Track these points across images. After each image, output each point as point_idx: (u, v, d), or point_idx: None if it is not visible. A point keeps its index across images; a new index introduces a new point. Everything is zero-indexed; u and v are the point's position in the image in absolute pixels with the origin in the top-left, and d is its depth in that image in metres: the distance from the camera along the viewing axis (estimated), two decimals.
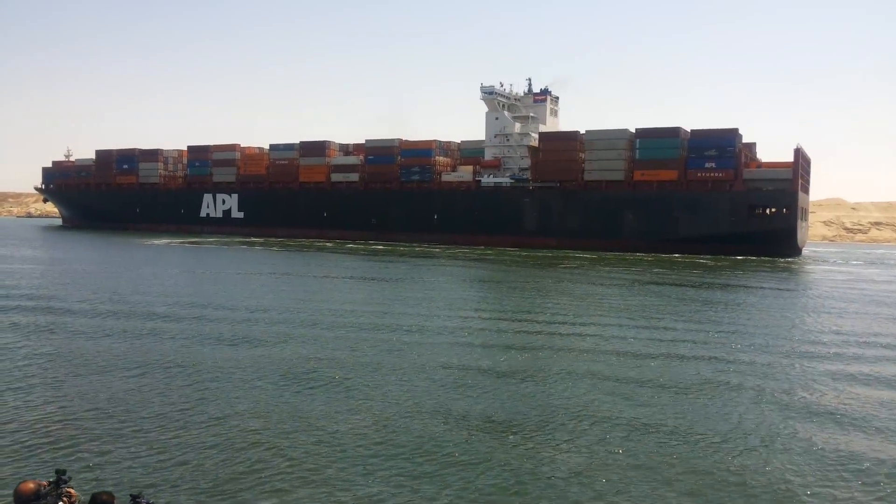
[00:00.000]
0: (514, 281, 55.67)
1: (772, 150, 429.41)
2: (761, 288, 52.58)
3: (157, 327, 29.54)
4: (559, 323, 32.99)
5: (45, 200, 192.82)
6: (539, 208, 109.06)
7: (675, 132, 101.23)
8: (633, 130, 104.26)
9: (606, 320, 33.80)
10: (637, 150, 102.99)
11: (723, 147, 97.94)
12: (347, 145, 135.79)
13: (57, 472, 7.02)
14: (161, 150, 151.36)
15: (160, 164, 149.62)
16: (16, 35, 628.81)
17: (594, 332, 30.31)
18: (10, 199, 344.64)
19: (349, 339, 27.78)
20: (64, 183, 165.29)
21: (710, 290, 50.23)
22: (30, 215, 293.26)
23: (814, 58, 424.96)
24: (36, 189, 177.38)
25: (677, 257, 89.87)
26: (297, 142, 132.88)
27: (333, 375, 21.83)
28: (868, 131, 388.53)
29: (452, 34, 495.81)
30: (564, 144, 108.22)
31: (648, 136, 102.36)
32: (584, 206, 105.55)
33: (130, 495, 7.23)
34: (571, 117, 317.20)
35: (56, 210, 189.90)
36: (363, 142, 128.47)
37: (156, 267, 59.53)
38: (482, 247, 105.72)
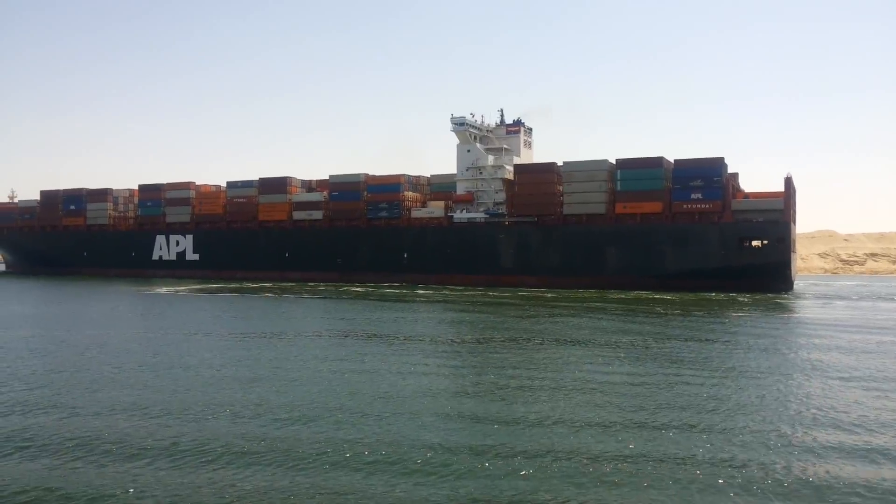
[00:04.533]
0: (491, 332, 48.35)
1: (752, 180, 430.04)
2: (766, 336, 46.10)
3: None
4: (531, 389, 25.71)
5: None
6: (516, 244, 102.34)
7: (657, 162, 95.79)
8: (614, 161, 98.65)
9: (582, 397, 26.54)
10: (618, 182, 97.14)
11: (709, 177, 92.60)
12: (310, 181, 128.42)
13: None
14: (110, 190, 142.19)
15: (109, 205, 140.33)
16: None
17: (570, 406, 23.15)
18: None
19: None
20: (6, 226, 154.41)
21: (705, 342, 43.04)
22: None
23: (794, 86, 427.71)
24: None
25: (665, 296, 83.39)
26: (257, 178, 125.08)
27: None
28: (856, 162, 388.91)
29: (421, 64, 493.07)
30: (541, 177, 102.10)
31: (630, 167, 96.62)
32: (563, 241, 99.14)
33: None
34: (547, 150, 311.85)
35: None
36: (327, 177, 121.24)
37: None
38: (456, 287, 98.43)
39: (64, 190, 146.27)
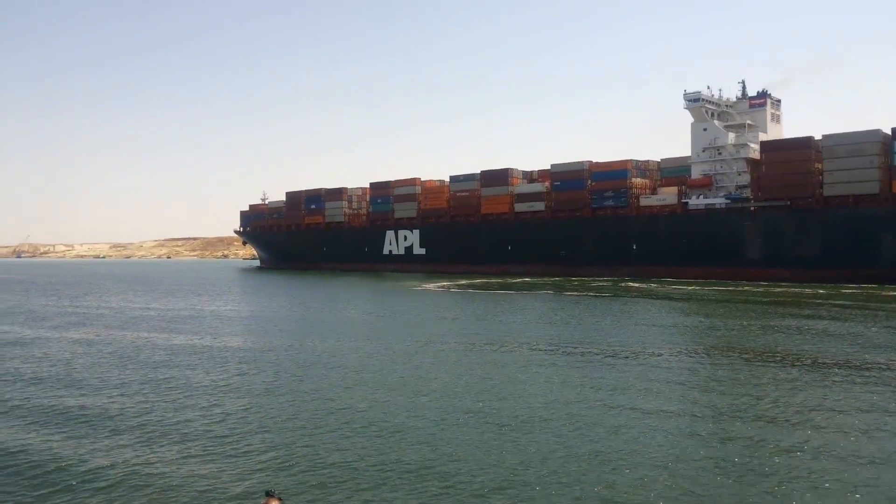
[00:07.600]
0: (736, 339, 40.43)
1: None
2: None
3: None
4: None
5: (244, 243, 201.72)
6: (765, 233, 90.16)
7: None
8: (889, 131, 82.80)
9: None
10: (895, 156, 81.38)
11: None
12: (531, 172, 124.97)
13: (266, 493, 8.51)
14: (345, 189, 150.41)
15: (344, 203, 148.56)
16: (218, 92, 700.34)
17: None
18: (236, 243, 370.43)
19: None
20: (258, 225, 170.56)
21: None
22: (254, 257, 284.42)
23: None
24: (235, 232, 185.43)
25: None
26: (478, 171, 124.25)
27: None
28: None
29: (642, 39, 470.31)
30: (795, 154, 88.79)
31: None
32: (825, 227, 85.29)
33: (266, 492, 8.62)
34: (799, 124, 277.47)
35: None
36: (549, 167, 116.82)
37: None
38: (693, 281, 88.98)
39: (305, 191, 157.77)
